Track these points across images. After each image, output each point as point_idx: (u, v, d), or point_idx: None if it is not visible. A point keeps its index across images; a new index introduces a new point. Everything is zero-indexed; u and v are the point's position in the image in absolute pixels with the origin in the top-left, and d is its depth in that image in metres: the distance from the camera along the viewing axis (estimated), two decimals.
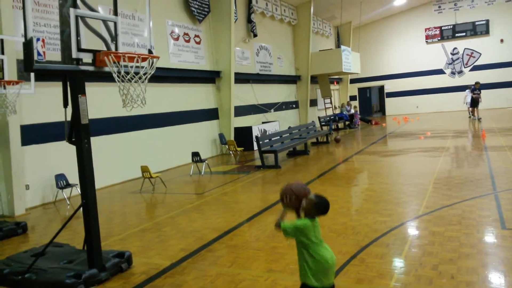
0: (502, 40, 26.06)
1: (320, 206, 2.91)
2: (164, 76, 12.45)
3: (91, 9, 4.63)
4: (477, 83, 21.11)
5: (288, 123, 19.93)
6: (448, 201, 6.54)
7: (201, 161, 11.34)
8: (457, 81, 27.58)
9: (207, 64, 14.86)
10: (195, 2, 14.01)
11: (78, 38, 4.25)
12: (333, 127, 20.88)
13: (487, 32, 26.39)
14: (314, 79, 23.52)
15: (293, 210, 3.03)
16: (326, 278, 2.86)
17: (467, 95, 21.67)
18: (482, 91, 20.98)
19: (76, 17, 4.23)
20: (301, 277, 2.93)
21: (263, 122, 17.67)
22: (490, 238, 4.89)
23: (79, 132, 4.47)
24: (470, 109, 21.46)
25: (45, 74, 8.48)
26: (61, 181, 8.92)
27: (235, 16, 15.48)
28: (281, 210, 3.07)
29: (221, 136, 15.10)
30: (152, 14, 11.80)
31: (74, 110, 4.47)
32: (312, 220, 2.92)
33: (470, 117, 21.57)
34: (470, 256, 4.34)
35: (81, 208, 4.59)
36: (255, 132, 15.45)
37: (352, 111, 23.33)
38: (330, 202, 2.94)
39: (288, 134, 13.81)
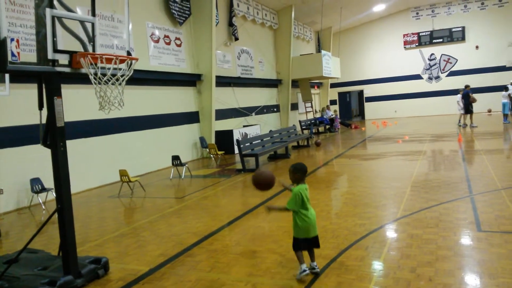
0: (477, 47, 26.78)
1: (299, 167, 4.25)
2: (144, 78, 12.33)
3: (68, 9, 4.53)
4: (467, 86, 19.47)
5: (269, 126, 19.97)
6: (425, 204, 6.64)
7: (182, 164, 11.23)
8: (434, 86, 28.19)
9: (188, 67, 14.77)
10: (175, 4, 13.93)
11: (54, 39, 4.16)
12: (313, 131, 21.02)
13: (463, 38, 27.09)
14: (295, 83, 23.67)
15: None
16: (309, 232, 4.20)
17: (458, 100, 19.61)
18: (458, 96, 20.00)
19: (53, 17, 4.13)
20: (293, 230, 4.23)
21: (244, 126, 17.66)
22: (466, 240, 4.98)
23: (54, 135, 4.36)
24: (465, 116, 19.27)
25: (20, 76, 8.28)
26: (36, 186, 8.69)
27: (216, 19, 15.45)
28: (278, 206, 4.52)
29: (202, 139, 15.02)
30: (132, 16, 11.75)
31: (49, 113, 4.36)
32: (303, 185, 4.21)
33: (462, 125, 19.26)
34: (447, 258, 4.41)
35: (56, 213, 4.47)
36: (236, 136, 15.42)
37: (332, 114, 23.55)
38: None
39: (269, 138, 13.84)
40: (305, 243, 4.21)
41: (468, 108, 18.90)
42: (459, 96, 19.85)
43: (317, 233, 4.26)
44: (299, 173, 4.22)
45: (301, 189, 4.15)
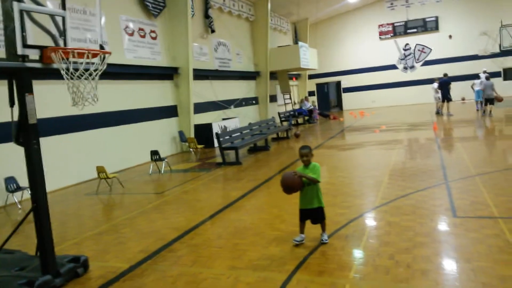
0: (450, 36, 27.29)
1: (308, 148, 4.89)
2: (119, 72, 12.10)
3: (37, 3, 4.39)
4: (445, 74, 19.87)
5: (248, 119, 19.94)
6: (402, 191, 6.77)
7: (161, 159, 11.12)
8: (409, 76, 28.64)
9: (164, 60, 14.57)
10: None
11: (24, 33, 4.03)
12: (292, 122, 21.11)
13: (436, 28, 27.57)
14: (273, 75, 23.67)
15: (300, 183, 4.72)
16: None
17: (436, 87, 19.70)
18: (435, 84, 20.13)
19: (21, 11, 4.00)
20: (320, 203, 4.84)
21: (223, 119, 17.59)
22: (442, 226, 5.10)
23: (27, 132, 4.24)
24: (443, 104, 19.28)
25: None
26: (11, 185, 8.47)
27: (192, 11, 15.26)
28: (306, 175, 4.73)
29: (180, 133, 14.89)
30: (105, 8, 11.49)
31: (21, 110, 4.23)
32: None
33: (440, 113, 19.47)
34: (424, 244, 4.51)
35: (32, 212, 4.37)
36: (215, 129, 15.35)
37: (311, 106, 23.67)
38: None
39: (248, 130, 13.82)
40: None
41: (446, 96, 19.15)
42: (435, 84, 20.10)
43: None
44: (311, 153, 4.90)
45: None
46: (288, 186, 4.69)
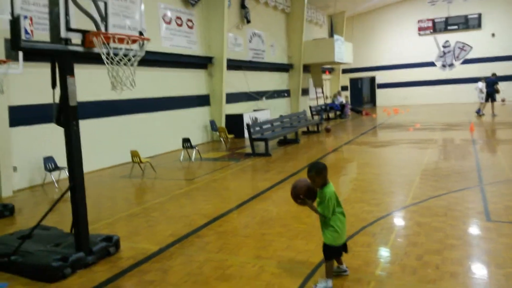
0: (493, 34, 26.19)
1: (321, 167, 3.73)
2: (156, 60, 12.31)
3: None
4: (494, 74, 19.40)
5: (279, 111, 19.91)
6: (435, 192, 6.62)
7: (192, 147, 11.29)
8: (448, 74, 27.69)
9: (200, 49, 14.71)
10: None
11: (67, 17, 4.17)
12: (324, 116, 20.92)
13: (479, 25, 26.51)
14: (306, 68, 23.47)
15: (309, 199, 3.77)
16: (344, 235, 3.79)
17: (481, 87, 19.03)
18: (479, 83, 19.66)
19: None
20: (324, 238, 3.72)
21: (254, 110, 17.63)
22: (475, 230, 4.97)
23: (67, 114, 4.40)
24: (485, 104, 18.87)
25: (34, 54, 8.27)
26: (50, 164, 8.82)
27: (229, 1, 15.29)
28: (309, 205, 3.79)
29: (212, 122, 15.04)
30: None
31: (62, 91, 4.39)
32: (331, 186, 3.75)
33: (481, 114, 18.82)
34: (455, 247, 4.41)
35: (69, 191, 4.55)
36: (246, 120, 15.42)
37: (343, 100, 23.37)
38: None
39: (279, 123, 13.81)
40: (343, 248, 3.78)
41: (492, 96, 18.52)
42: (480, 83, 19.43)
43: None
44: (323, 173, 3.70)
45: (331, 191, 3.65)
46: (292, 195, 3.88)
